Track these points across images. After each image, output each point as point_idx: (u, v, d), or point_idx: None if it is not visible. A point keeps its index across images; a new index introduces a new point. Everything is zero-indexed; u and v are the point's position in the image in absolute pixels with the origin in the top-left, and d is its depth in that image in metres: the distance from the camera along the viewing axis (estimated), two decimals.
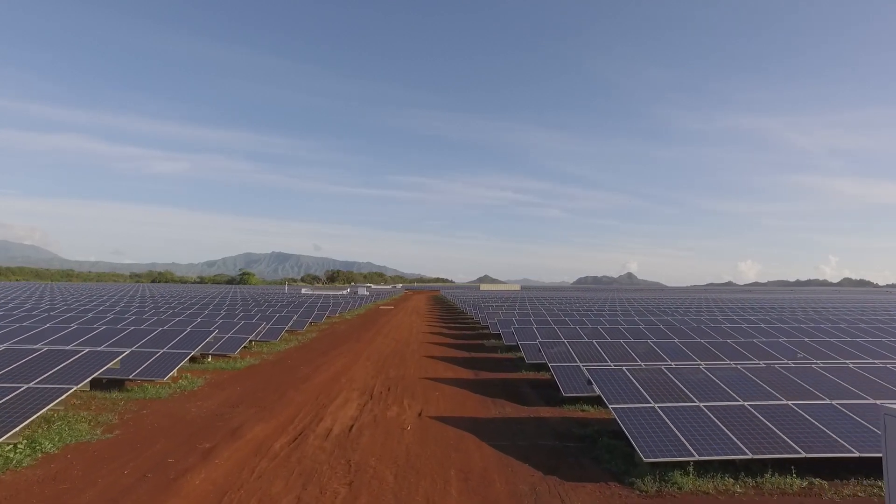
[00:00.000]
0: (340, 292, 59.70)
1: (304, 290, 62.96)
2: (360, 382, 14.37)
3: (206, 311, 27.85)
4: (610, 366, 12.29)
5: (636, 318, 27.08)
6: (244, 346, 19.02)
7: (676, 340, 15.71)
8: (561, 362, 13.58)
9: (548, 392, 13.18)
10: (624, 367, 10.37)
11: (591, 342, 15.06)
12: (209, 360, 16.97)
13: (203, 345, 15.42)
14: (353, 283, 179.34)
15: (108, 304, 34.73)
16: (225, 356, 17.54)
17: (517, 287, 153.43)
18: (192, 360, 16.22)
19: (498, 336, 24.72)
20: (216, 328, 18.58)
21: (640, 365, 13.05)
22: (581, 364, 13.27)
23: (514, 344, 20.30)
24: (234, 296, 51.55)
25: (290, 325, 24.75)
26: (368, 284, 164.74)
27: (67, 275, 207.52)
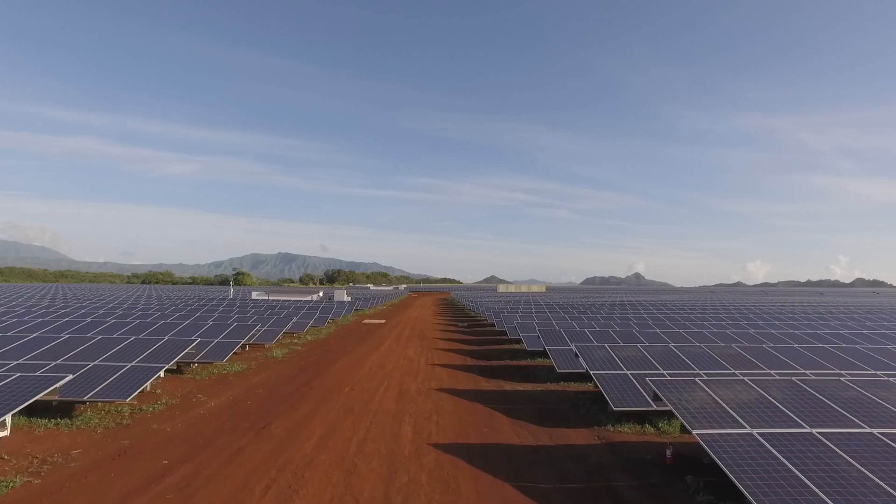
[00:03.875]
0: (306, 297, 40.72)
1: (254, 294, 43.81)
2: None
3: None
4: None
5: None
6: None
7: None
8: None
9: None
10: None
11: None
12: None
13: None
14: (351, 284, 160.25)
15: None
16: None
17: (542, 288, 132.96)
18: None
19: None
20: None
21: None
22: None
23: None
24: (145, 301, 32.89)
25: None
26: (368, 285, 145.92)
27: (63, 276, 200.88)
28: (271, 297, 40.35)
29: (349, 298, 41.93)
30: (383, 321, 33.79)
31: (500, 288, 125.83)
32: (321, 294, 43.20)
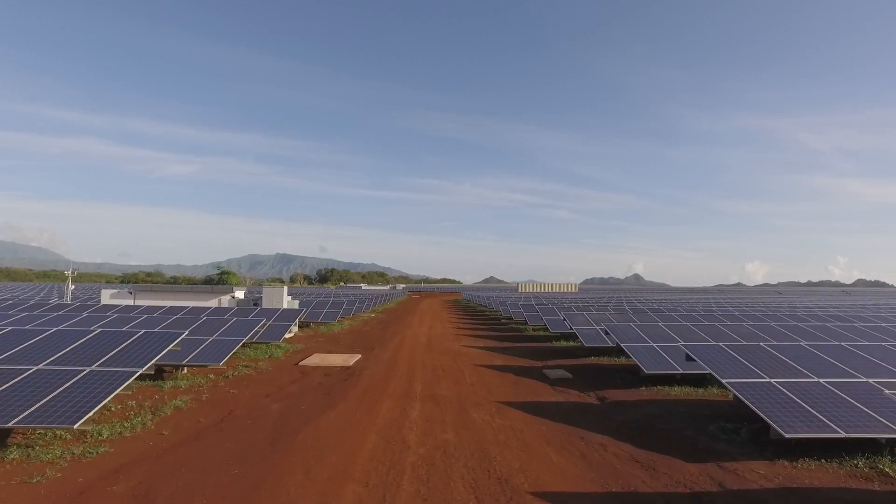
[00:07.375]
0: (205, 303, 21.26)
1: (108, 297, 23.52)
2: None
3: None
4: None
5: None
6: None
7: None
8: None
9: None
10: None
11: None
12: None
13: None
14: (342, 284, 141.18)
15: None
16: None
17: (574, 287, 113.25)
18: None
19: None
20: None
21: None
22: None
23: None
24: None
25: None
26: (361, 285, 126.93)
27: (46, 275, 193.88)
28: (138, 302, 21.62)
29: (295, 304, 22.46)
30: (356, 358, 14.60)
31: (522, 288, 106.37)
32: (240, 295, 23.72)
